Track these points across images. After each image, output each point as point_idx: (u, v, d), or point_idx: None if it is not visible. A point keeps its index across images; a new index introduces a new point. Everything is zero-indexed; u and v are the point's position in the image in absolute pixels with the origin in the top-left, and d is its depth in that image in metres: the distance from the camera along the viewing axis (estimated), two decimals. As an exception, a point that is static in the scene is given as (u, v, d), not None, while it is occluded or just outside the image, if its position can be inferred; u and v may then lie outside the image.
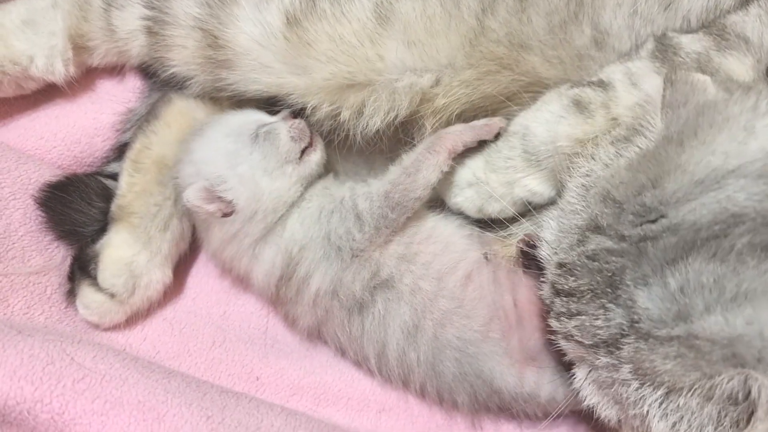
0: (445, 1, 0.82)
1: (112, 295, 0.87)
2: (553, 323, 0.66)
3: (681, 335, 0.53)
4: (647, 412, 0.57)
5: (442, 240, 0.84)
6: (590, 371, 0.63)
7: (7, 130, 0.98)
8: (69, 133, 1.00)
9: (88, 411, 0.70)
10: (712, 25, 0.79)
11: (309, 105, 0.88)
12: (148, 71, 1.01)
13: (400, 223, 0.82)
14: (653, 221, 0.57)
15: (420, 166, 0.82)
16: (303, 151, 0.87)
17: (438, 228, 0.85)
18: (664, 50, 0.77)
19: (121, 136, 1.01)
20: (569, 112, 0.77)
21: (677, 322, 0.54)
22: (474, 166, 0.84)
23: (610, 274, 0.59)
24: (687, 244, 0.55)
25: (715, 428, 0.53)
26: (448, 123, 0.87)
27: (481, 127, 0.84)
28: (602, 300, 0.59)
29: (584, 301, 0.60)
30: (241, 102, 0.94)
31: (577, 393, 0.66)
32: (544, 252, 0.70)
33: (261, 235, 0.86)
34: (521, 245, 0.80)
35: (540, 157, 0.78)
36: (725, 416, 0.52)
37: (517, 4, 0.82)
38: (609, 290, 0.58)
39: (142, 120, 0.99)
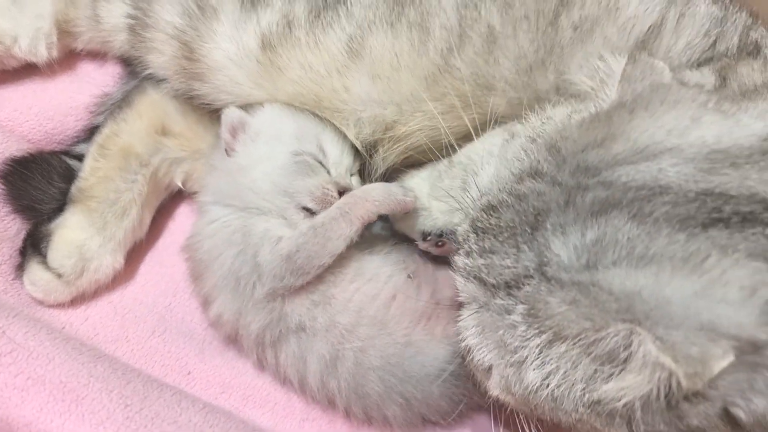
0: (414, 38, 0.85)
1: (60, 276, 0.89)
2: (460, 261, 0.67)
3: (582, 281, 0.55)
4: (526, 357, 0.59)
5: (367, 276, 0.83)
6: (478, 310, 0.64)
7: (-16, 99, 1.01)
8: (43, 109, 1.02)
9: (9, 385, 0.72)
10: None
11: None
12: (129, 59, 1.03)
13: (297, 286, 0.80)
14: (590, 177, 0.61)
15: (330, 234, 0.79)
16: (308, 210, 0.85)
17: (363, 267, 0.84)
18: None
19: (94, 119, 1.04)
20: (506, 143, 0.79)
21: (583, 271, 0.56)
22: (420, 192, 0.87)
23: (534, 214, 0.61)
24: (614, 200, 0.58)
25: (586, 385, 0.56)
26: (406, 152, 0.90)
27: (397, 202, 0.83)
28: (518, 239, 0.61)
29: (500, 239, 0.62)
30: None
31: (458, 332, 0.67)
32: (472, 194, 0.72)
33: (220, 196, 0.89)
34: (430, 245, 0.86)
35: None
36: (598, 374, 0.55)
37: (484, 47, 0.84)
38: (528, 230, 0.61)
39: (115, 106, 1.01)
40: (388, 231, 0.95)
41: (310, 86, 0.87)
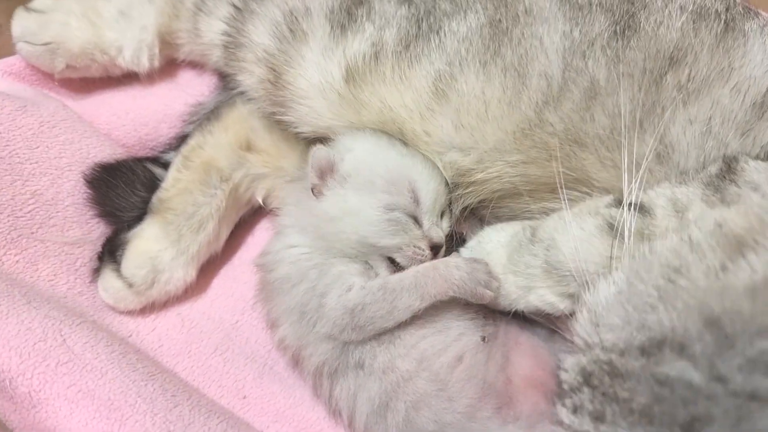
0: (507, 84, 0.78)
1: (131, 285, 0.90)
2: (564, 414, 0.57)
3: None
4: None
5: (438, 326, 0.78)
6: None
7: (86, 102, 1.05)
8: (139, 115, 1.05)
9: (61, 395, 0.73)
10: None
11: None
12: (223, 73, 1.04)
13: (355, 341, 0.78)
14: None
15: (398, 303, 0.75)
16: (393, 261, 0.82)
17: (438, 315, 0.79)
18: (722, 177, 0.69)
19: (186, 127, 1.05)
20: (601, 233, 0.71)
21: None
22: (496, 261, 0.79)
23: (688, 417, 0.48)
24: None
25: None
26: (483, 196, 0.84)
27: (476, 294, 0.76)
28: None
29: (630, 420, 0.50)
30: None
31: None
32: (583, 326, 0.60)
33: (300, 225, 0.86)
34: None
35: (562, 273, 0.72)
36: None
37: (583, 102, 0.77)
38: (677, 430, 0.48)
39: (205, 117, 1.02)
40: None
41: (391, 125, 0.84)
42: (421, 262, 0.80)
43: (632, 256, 0.63)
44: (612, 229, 0.71)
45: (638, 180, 0.71)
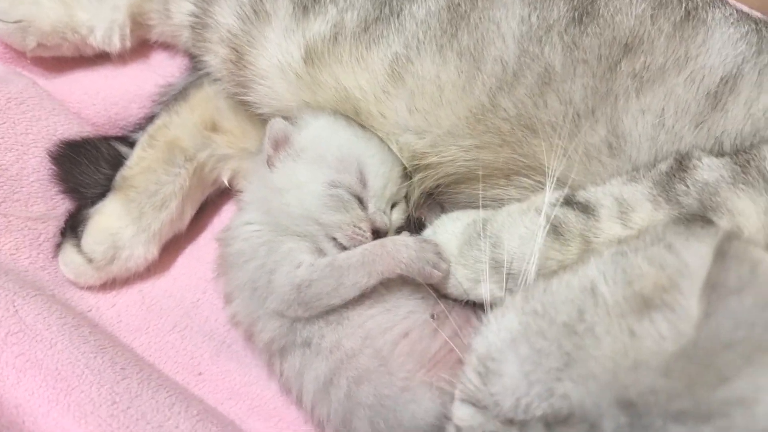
0: (462, 68, 0.79)
1: (90, 260, 0.91)
2: None
3: None
4: None
5: (388, 305, 0.79)
6: None
7: (58, 80, 1.06)
8: (110, 94, 1.06)
9: (9, 364, 0.74)
10: (741, 153, 0.71)
11: None
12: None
13: (302, 318, 0.78)
14: None
15: (344, 279, 0.76)
16: (335, 240, 0.82)
17: (389, 294, 0.79)
18: (672, 174, 0.69)
19: (156, 107, 1.05)
20: (545, 234, 0.71)
21: None
22: (448, 251, 0.80)
23: None
24: None
25: None
26: (438, 180, 0.85)
27: (424, 273, 0.77)
28: None
29: None
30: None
31: None
32: (471, 378, 0.57)
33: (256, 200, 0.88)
34: None
35: (507, 271, 0.73)
36: None
37: (536, 88, 0.77)
38: None
39: (174, 97, 1.03)
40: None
41: (346, 104, 0.85)
42: (362, 244, 0.80)
43: (525, 297, 0.59)
44: (555, 230, 0.72)
45: (555, 175, 0.71)
